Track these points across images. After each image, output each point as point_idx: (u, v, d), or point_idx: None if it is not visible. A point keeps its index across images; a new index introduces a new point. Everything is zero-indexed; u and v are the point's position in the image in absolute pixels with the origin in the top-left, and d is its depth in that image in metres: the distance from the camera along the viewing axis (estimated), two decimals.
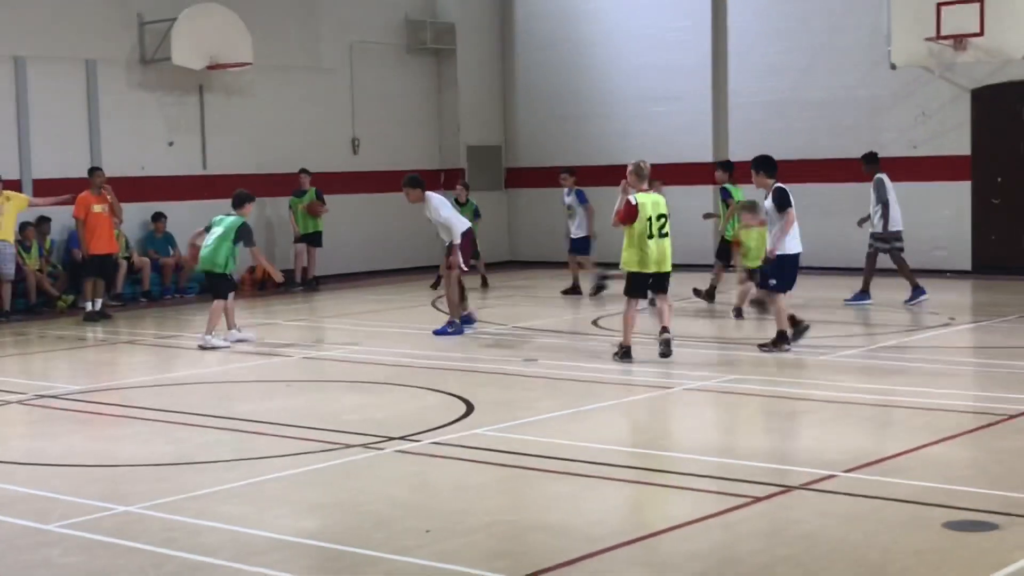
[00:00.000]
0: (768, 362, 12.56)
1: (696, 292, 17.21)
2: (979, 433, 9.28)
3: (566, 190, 19.14)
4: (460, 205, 19.66)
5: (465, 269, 15.15)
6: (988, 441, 9.05)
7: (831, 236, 20.46)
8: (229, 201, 15.13)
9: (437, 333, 14.94)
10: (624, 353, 12.66)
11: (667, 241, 12.70)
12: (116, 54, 20.05)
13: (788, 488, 7.73)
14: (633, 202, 12.53)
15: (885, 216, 16.82)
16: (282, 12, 22.17)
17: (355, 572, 6.44)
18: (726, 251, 17.09)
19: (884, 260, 17.15)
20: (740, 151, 20.81)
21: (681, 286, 16.67)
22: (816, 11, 21.84)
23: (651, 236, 12.54)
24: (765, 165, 13.33)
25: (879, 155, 17.42)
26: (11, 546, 6.94)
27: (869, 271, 17.08)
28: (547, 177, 24.42)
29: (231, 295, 14.76)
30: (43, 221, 18.69)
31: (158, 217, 20.17)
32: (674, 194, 17.14)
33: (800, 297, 15.18)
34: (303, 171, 21.38)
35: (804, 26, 21.93)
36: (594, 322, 15.88)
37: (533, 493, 7.95)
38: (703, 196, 21.83)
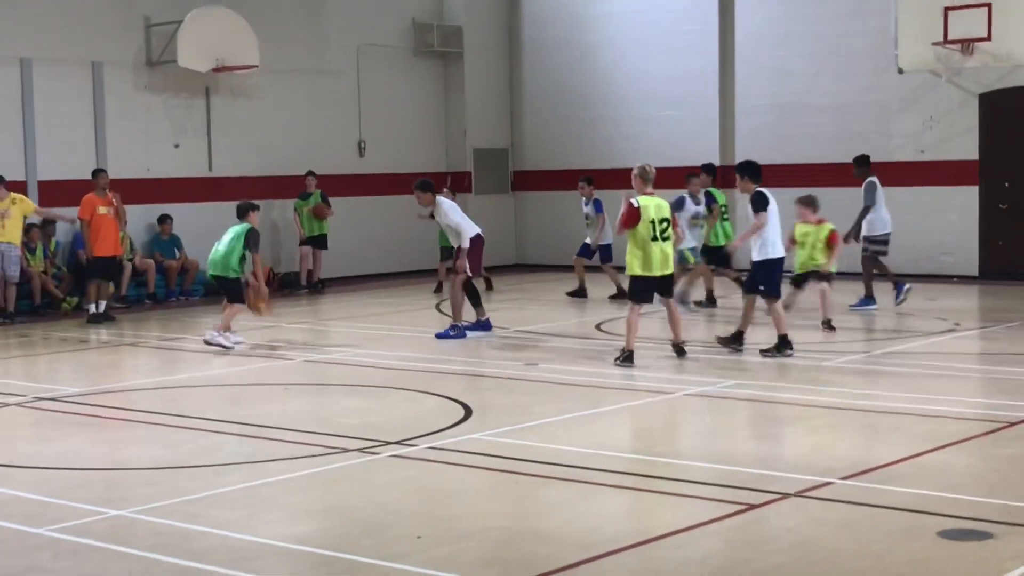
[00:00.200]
0: (771, 367, 12.53)
1: (697, 303, 17.14)
2: (979, 440, 9.23)
3: (584, 199, 19.12)
4: None
5: (470, 275, 15.09)
6: (987, 448, 9.01)
7: None
8: (234, 204, 15.15)
9: (439, 336, 14.92)
10: (626, 357, 12.64)
11: (669, 244, 12.73)
12: (122, 56, 20.04)
13: (784, 495, 7.68)
14: (635, 204, 12.51)
15: (868, 220, 16.81)
16: (289, 15, 22.16)
17: None
18: (715, 255, 17.04)
19: (884, 261, 17.11)
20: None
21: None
22: (823, 16, 21.77)
23: (654, 239, 12.54)
24: (750, 170, 13.43)
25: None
26: (1, 550, 6.91)
27: (868, 275, 17.04)
28: (554, 180, 24.43)
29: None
30: (48, 223, 18.64)
31: (164, 219, 20.15)
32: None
33: (807, 302, 15.13)
34: (309, 173, 21.32)
35: (811, 31, 21.86)
36: (597, 326, 15.83)
37: (527, 499, 7.92)
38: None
